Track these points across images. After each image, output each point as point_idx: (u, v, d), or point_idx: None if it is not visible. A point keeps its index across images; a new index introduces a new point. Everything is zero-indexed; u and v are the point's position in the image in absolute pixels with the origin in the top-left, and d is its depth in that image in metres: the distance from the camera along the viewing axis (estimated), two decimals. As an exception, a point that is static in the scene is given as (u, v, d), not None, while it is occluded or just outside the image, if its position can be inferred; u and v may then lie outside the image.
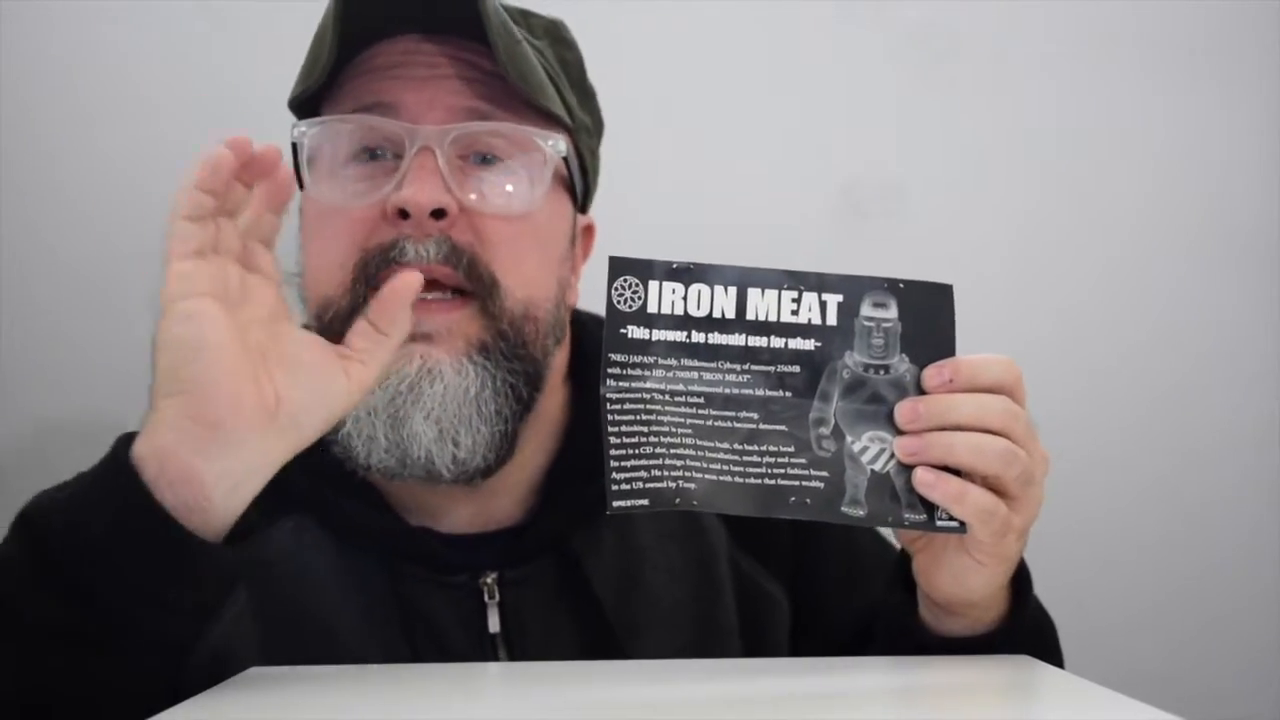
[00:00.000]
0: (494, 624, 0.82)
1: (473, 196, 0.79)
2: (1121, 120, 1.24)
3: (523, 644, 0.82)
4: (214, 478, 0.64)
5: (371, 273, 0.77)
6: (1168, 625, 1.22)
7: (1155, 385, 1.24)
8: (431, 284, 0.77)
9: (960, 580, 0.72)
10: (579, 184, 0.86)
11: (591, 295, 0.88)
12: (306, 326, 0.79)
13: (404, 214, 0.77)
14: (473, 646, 0.81)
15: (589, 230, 0.91)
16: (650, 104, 1.16)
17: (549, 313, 0.82)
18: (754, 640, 0.86)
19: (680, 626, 0.84)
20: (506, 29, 0.79)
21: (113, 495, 0.63)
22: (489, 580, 0.82)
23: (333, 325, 0.77)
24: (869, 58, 1.22)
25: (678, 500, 0.66)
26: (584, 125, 0.87)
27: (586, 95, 0.89)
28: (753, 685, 0.68)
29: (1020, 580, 0.76)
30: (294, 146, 0.81)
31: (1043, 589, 0.81)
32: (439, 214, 0.77)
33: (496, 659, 0.82)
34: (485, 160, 0.80)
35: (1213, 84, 1.24)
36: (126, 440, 0.65)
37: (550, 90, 0.82)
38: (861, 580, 0.88)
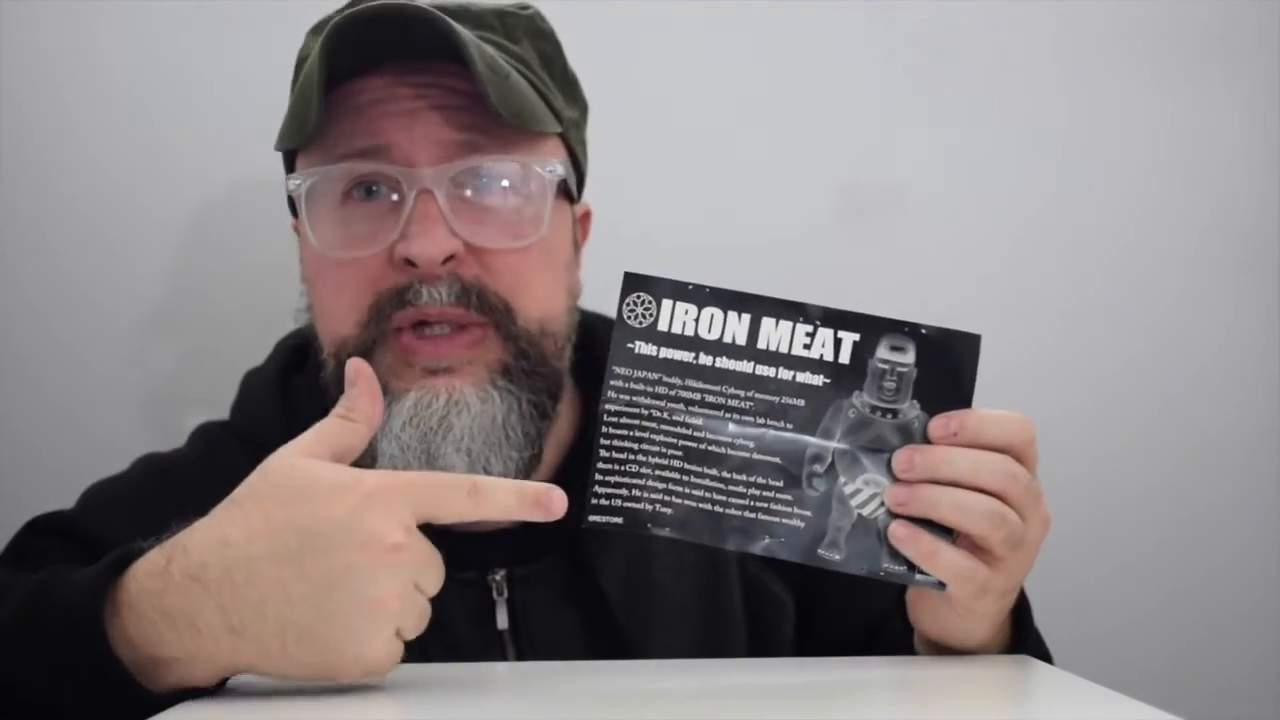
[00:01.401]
0: (503, 621, 0.83)
1: (478, 235, 0.79)
2: (1123, 120, 1.22)
3: (531, 641, 0.82)
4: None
5: (386, 314, 0.79)
6: (1168, 626, 1.21)
7: (1156, 387, 1.23)
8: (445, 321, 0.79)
9: (942, 627, 0.72)
10: (573, 181, 0.86)
11: (591, 293, 0.89)
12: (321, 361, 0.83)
13: (412, 262, 0.78)
14: (481, 643, 0.82)
15: (586, 216, 0.91)
16: (650, 104, 1.16)
17: (563, 322, 0.84)
18: (760, 642, 0.86)
19: (688, 626, 0.84)
20: (490, 67, 0.78)
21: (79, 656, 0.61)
22: (498, 577, 0.83)
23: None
24: (869, 58, 1.21)
25: (650, 525, 0.66)
26: (571, 121, 0.86)
27: (570, 84, 0.88)
28: (752, 682, 0.69)
29: (1020, 615, 0.74)
30: (290, 198, 0.83)
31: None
32: (446, 258, 0.78)
33: (505, 656, 0.82)
34: (484, 184, 0.80)
35: (1215, 84, 1.22)
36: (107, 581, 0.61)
37: (540, 110, 0.81)
38: (866, 586, 0.88)
